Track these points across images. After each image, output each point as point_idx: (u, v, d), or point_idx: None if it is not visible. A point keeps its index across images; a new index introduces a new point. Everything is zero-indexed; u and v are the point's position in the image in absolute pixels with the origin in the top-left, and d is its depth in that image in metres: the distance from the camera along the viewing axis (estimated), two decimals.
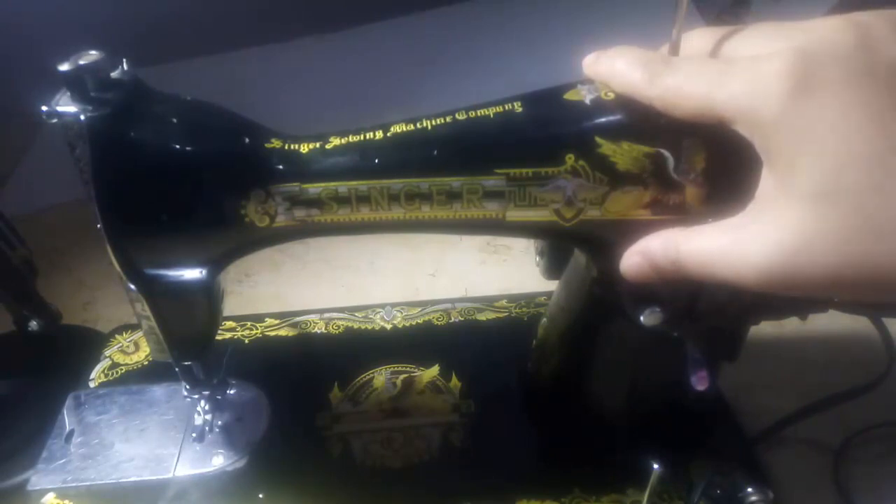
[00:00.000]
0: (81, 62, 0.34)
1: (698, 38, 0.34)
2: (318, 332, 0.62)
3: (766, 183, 0.30)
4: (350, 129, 0.38)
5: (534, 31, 1.07)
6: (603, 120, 0.35)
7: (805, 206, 0.28)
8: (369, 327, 0.62)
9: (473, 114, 0.36)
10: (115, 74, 0.36)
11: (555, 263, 0.48)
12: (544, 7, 1.11)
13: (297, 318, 0.63)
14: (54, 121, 0.35)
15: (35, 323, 0.56)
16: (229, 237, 0.38)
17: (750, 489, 0.44)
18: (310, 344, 0.61)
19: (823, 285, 0.28)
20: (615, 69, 0.34)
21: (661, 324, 0.38)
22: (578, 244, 0.42)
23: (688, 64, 0.31)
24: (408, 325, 0.62)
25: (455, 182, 0.36)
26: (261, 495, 0.48)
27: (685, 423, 0.49)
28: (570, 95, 0.36)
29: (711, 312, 0.39)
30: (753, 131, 0.29)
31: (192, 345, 0.45)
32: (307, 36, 1.10)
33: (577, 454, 0.51)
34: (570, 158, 0.35)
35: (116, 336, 0.62)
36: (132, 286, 0.39)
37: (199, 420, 0.51)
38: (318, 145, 0.37)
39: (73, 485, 0.48)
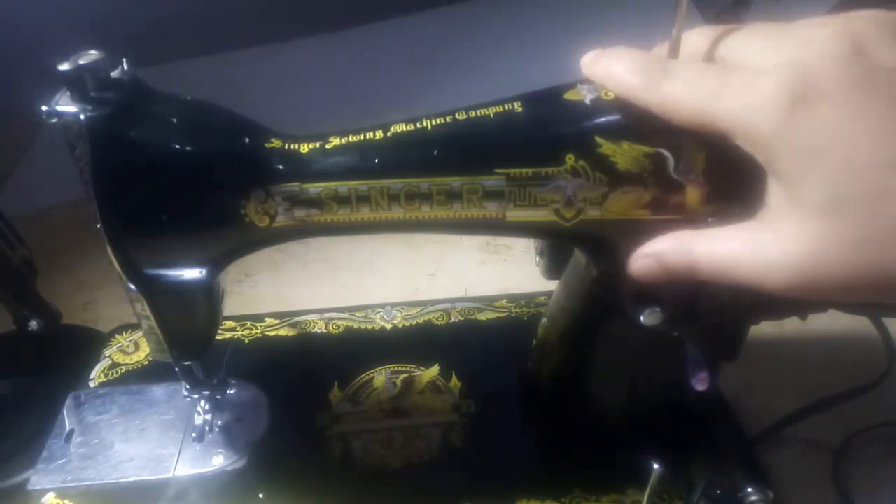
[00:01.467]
0: (81, 62, 0.34)
1: (697, 38, 0.34)
2: (318, 332, 0.62)
3: (775, 193, 0.30)
4: (350, 129, 0.38)
5: (534, 31, 1.07)
6: (603, 120, 0.35)
7: (815, 219, 0.28)
8: (369, 327, 0.62)
9: (473, 114, 0.36)
10: (114, 74, 0.36)
11: (555, 263, 0.48)
12: (544, 7, 1.11)
13: (297, 318, 0.63)
14: (54, 121, 0.35)
15: (35, 323, 0.56)
16: (229, 237, 0.38)
17: (750, 489, 0.44)
18: (310, 344, 0.61)
19: (842, 291, 0.29)
20: (613, 72, 0.34)
21: (661, 324, 0.38)
22: (578, 244, 0.42)
23: (686, 71, 0.31)
24: (408, 325, 0.62)
25: (455, 182, 0.36)
26: (261, 495, 0.48)
27: (685, 423, 0.49)
28: (570, 95, 0.36)
29: (711, 312, 0.39)
30: (755, 147, 0.29)
31: (192, 345, 0.45)
32: (307, 36, 1.10)
33: (577, 454, 0.51)
34: (570, 158, 0.35)
35: (116, 336, 0.62)
36: (132, 286, 0.39)
37: (199, 420, 0.51)
38: (318, 145, 0.37)
39: (73, 485, 0.48)
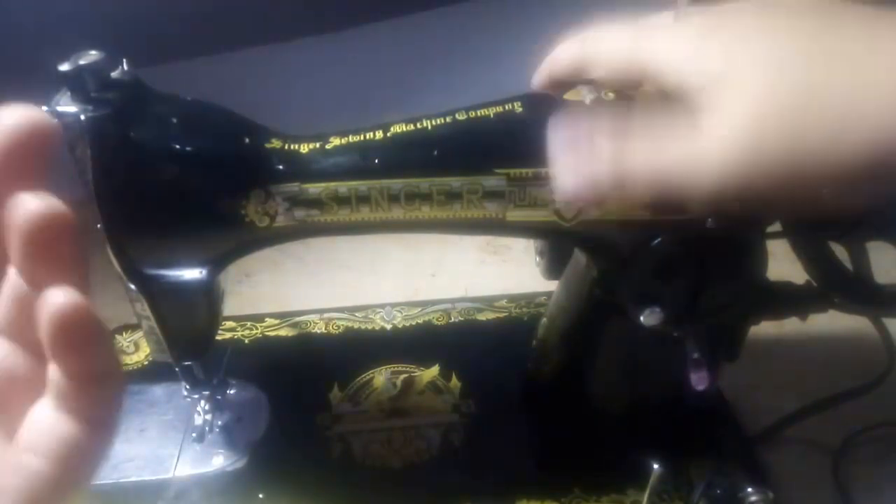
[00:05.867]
0: (81, 62, 0.34)
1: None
2: (318, 332, 0.62)
3: (699, 104, 0.30)
4: (350, 129, 0.38)
5: (534, 31, 1.07)
6: None
7: (741, 106, 0.28)
8: (369, 327, 0.62)
9: (473, 114, 0.36)
10: (115, 74, 0.35)
11: (555, 263, 0.48)
12: (544, 7, 1.11)
13: (297, 318, 0.63)
14: (54, 121, 0.34)
15: None
16: (229, 237, 0.38)
17: (750, 489, 0.44)
18: (310, 344, 0.61)
19: (783, 174, 0.28)
20: (551, 58, 0.37)
21: (661, 324, 0.38)
22: (578, 244, 0.42)
23: (613, 29, 0.34)
24: (408, 325, 0.62)
25: (455, 182, 0.36)
26: (261, 495, 0.48)
27: (685, 423, 0.49)
28: (570, 95, 0.36)
29: (711, 312, 0.39)
30: (678, 75, 0.30)
31: (192, 345, 0.45)
32: (307, 36, 1.10)
33: (577, 454, 0.51)
34: None
35: (116, 336, 0.62)
36: (132, 286, 0.39)
37: (199, 420, 0.51)
38: (318, 145, 0.37)
39: None
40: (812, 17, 0.29)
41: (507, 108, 0.36)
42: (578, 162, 0.32)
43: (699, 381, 0.40)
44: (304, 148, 0.37)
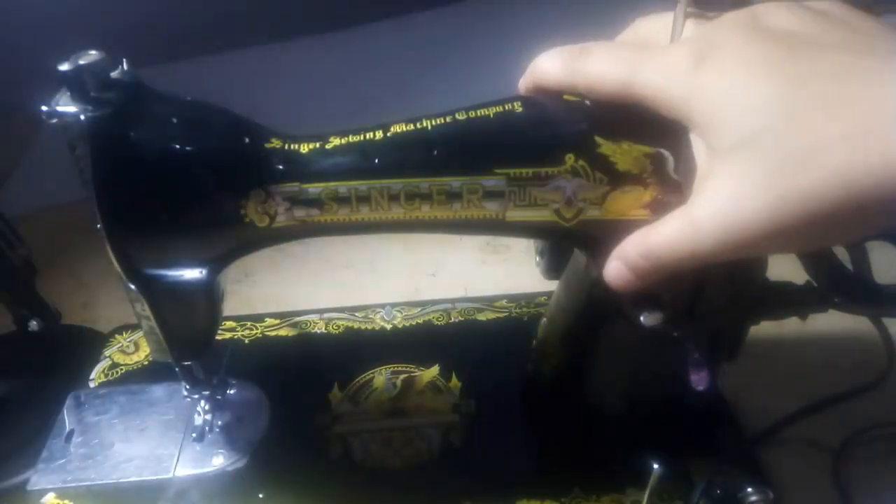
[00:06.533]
0: (81, 62, 0.34)
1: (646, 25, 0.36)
2: (318, 332, 0.62)
3: (700, 154, 0.32)
4: (350, 129, 0.38)
5: (533, 31, 1.07)
6: (603, 120, 0.35)
7: (729, 160, 0.29)
8: (369, 327, 0.62)
9: (473, 114, 0.36)
10: (115, 74, 0.35)
11: (555, 263, 0.48)
12: (544, 7, 1.11)
13: (297, 318, 0.63)
14: (54, 121, 0.34)
15: (35, 323, 0.56)
16: (229, 237, 0.38)
17: (750, 489, 0.44)
18: (310, 344, 0.61)
19: (773, 231, 0.28)
20: (537, 67, 0.36)
21: (661, 324, 0.38)
22: (578, 244, 0.42)
23: (604, 50, 0.34)
24: (408, 325, 0.62)
25: (455, 182, 0.36)
26: (261, 495, 0.48)
27: (685, 423, 0.49)
28: (570, 95, 0.36)
29: (711, 312, 0.39)
30: (672, 109, 0.31)
31: (192, 345, 0.45)
32: (307, 36, 1.10)
33: (577, 454, 0.51)
34: (570, 158, 0.35)
35: (116, 336, 0.62)
36: (132, 286, 0.39)
37: (199, 420, 0.51)
38: (318, 145, 0.37)
39: (73, 485, 0.48)
40: (801, 45, 0.29)
41: (507, 108, 0.36)
42: (615, 250, 0.35)
43: (699, 381, 0.40)
44: (304, 148, 0.37)
